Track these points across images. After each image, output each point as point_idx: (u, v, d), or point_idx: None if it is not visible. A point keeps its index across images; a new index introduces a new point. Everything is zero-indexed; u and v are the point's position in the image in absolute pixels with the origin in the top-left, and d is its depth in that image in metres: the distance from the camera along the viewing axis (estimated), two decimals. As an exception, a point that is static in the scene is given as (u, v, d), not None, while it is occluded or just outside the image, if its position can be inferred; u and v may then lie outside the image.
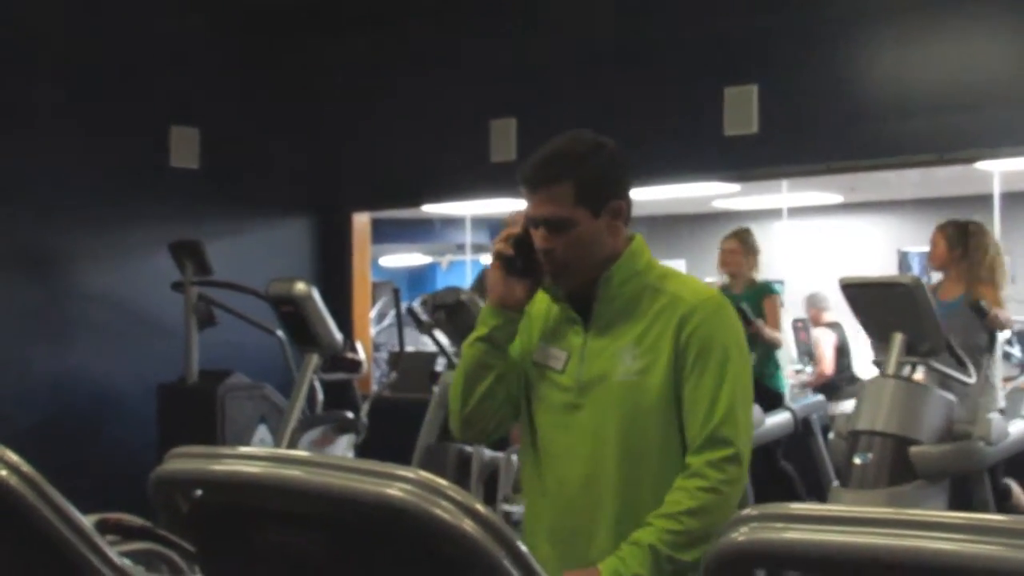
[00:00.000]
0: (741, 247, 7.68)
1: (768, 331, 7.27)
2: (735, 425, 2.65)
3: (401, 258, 17.70)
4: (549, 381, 2.79)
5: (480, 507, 1.40)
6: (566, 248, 2.68)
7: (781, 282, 11.85)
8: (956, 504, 5.67)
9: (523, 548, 1.43)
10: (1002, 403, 6.59)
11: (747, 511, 1.31)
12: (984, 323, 6.18)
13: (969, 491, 5.76)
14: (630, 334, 2.71)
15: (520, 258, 2.74)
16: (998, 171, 10.32)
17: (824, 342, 10.64)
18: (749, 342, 7.04)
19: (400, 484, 1.40)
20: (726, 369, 2.66)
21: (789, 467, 7.27)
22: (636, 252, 2.77)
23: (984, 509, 5.66)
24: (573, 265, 2.71)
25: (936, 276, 6.94)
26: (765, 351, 7.35)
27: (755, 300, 7.38)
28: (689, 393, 2.66)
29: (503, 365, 2.80)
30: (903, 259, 12.15)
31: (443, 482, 1.41)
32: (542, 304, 2.83)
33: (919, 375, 5.97)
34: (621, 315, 2.74)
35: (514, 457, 6.80)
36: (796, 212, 13.51)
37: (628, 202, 2.77)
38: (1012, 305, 6.90)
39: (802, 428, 7.02)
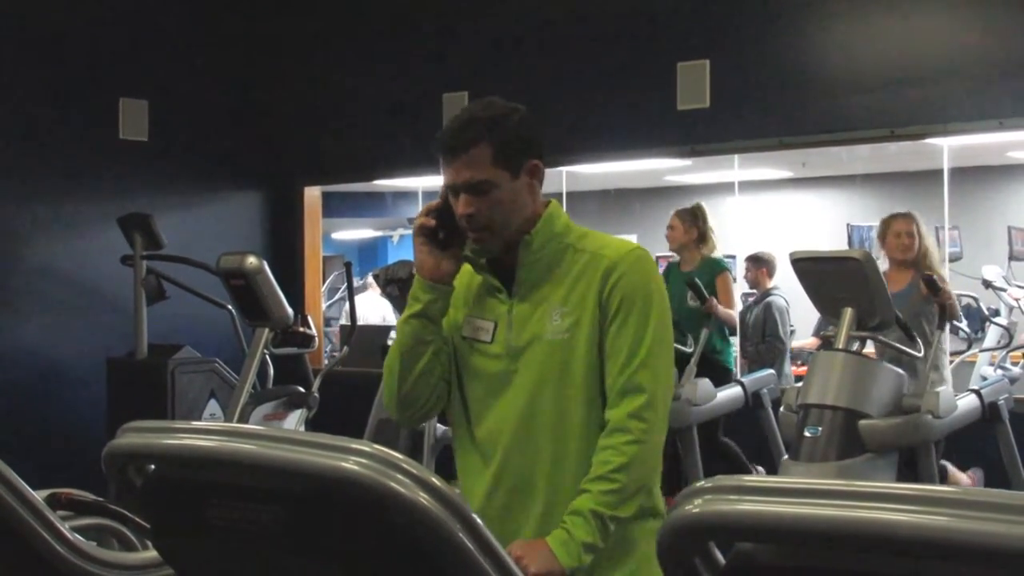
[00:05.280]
0: (681, 223, 7.61)
1: (722, 309, 7.26)
2: (653, 372, 2.68)
3: (352, 232, 17.64)
4: (479, 353, 2.80)
5: (436, 480, 1.41)
6: (489, 210, 2.69)
7: (732, 257, 11.91)
8: (903, 477, 5.72)
9: (477, 520, 1.44)
10: (948, 380, 6.65)
11: (701, 483, 1.32)
12: (936, 299, 6.22)
13: (915, 464, 5.81)
14: (555, 295, 2.74)
15: (442, 229, 2.74)
16: (947, 146, 10.40)
17: None
18: (703, 318, 7.05)
19: (355, 458, 1.40)
20: (648, 319, 2.69)
21: (731, 443, 7.31)
22: (553, 215, 2.78)
23: (930, 481, 5.72)
24: (496, 227, 2.71)
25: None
26: (717, 327, 7.37)
27: (706, 277, 7.34)
28: (610, 342, 2.69)
29: (439, 340, 2.81)
30: (852, 233, 12.23)
31: (398, 455, 1.41)
32: (461, 277, 2.83)
33: (869, 351, 6.02)
34: (544, 277, 2.76)
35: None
36: (747, 187, 13.57)
37: (543, 163, 2.78)
38: (960, 279, 6.97)
39: (752, 402, 7.06)
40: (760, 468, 7.21)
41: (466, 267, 2.82)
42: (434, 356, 2.80)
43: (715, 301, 7.14)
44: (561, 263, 2.75)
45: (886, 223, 6.80)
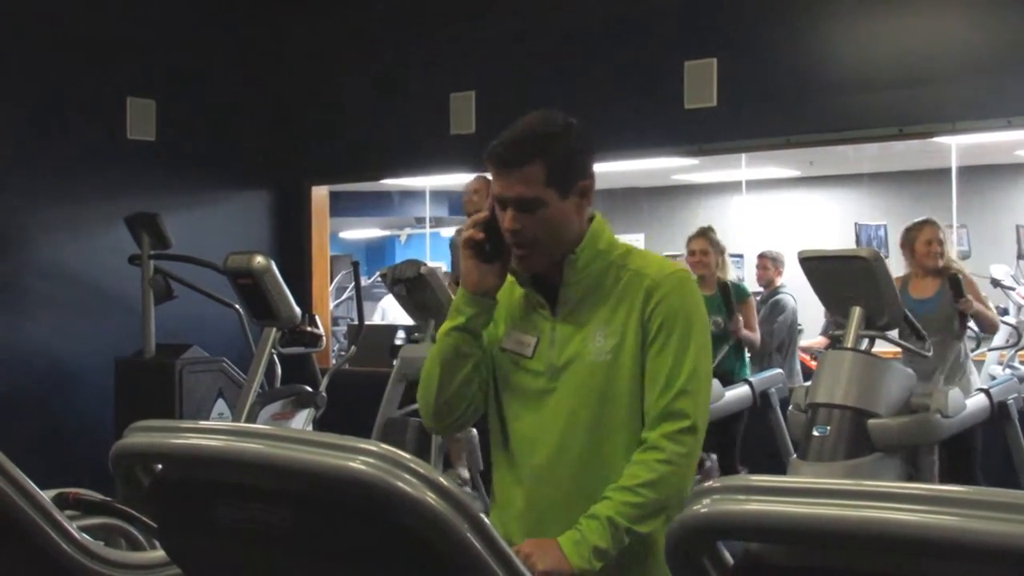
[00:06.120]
0: (711, 248, 7.47)
1: (746, 332, 7.24)
2: (693, 398, 2.66)
3: (360, 231, 17.66)
4: (519, 367, 2.78)
5: (443, 480, 1.41)
6: (534, 228, 2.66)
7: (740, 256, 11.91)
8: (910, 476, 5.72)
9: (485, 520, 1.44)
10: (975, 381, 6.65)
11: (709, 483, 1.32)
12: (958, 303, 6.23)
13: (917, 463, 5.80)
14: (599, 314, 2.72)
15: (488, 242, 2.72)
16: (956, 145, 10.39)
17: None
18: (725, 339, 6.99)
19: (363, 457, 1.40)
20: (688, 342, 2.67)
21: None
22: (597, 232, 2.76)
23: (928, 478, 5.72)
24: (540, 245, 2.69)
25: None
26: (737, 349, 7.34)
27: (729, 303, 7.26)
28: (650, 365, 2.67)
29: (479, 353, 2.79)
30: (860, 232, 12.21)
31: (406, 455, 1.41)
32: (504, 289, 2.82)
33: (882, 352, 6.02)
34: (588, 296, 2.73)
35: (474, 431, 6.79)
36: (755, 185, 13.58)
37: (593, 182, 2.76)
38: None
39: (760, 401, 7.06)
40: (714, 456, 7.20)
41: (508, 279, 2.80)
42: (473, 368, 2.78)
43: (740, 320, 7.13)
44: (605, 282, 2.73)
45: (913, 232, 6.75)
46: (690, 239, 7.58)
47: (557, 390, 2.72)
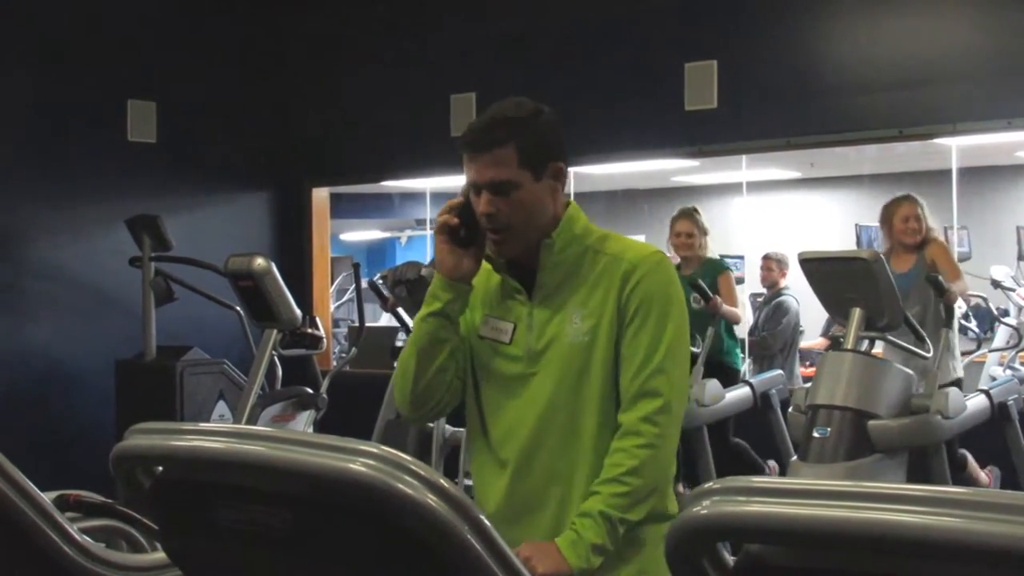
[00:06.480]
0: (696, 229, 7.44)
1: (727, 307, 7.15)
2: (668, 376, 2.67)
3: (361, 233, 17.64)
4: (497, 354, 2.79)
5: (444, 482, 1.40)
6: (510, 211, 2.68)
7: (740, 257, 11.90)
8: (914, 477, 5.71)
9: (487, 522, 1.43)
10: (960, 372, 6.63)
11: (709, 485, 1.31)
12: (942, 300, 6.21)
13: (928, 464, 5.81)
14: (575, 298, 2.73)
15: (464, 227, 2.73)
16: (956, 146, 10.38)
17: None
18: (708, 318, 6.95)
19: (364, 459, 1.40)
20: (665, 324, 2.69)
21: (742, 442, 7.25)
22: (573, 217, 2.78)
23: (942, 482, 5.71)
24: (516, 228, 2.71)
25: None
26: (725, 327, 7.30)
27: (708, 278, 7.20)
28: (626, 346, 2.69)
29: (456, 339, 2.80)
30: (861, 233, 12.20)
31: (406, 457, 1.41)
32: (480, 277, 2.83)
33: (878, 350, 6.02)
34: (565, 281, 2.75)
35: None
36: (755, 187, 13.56)
37: (566, 165, 2.78)
38: (968, 279, 6.96)
39: (761, 402, 7.05)
40: (772, 463, 7.17)
41: (484, 267, 2.81)
42: (450, 355, 2.79)
43: (719, 300, 7.07)
44: (582, 266, 2.75)
45: (891, 208, 6.78)
46: (675, 220, 7.54)
47: (538, 374, 2.74)
